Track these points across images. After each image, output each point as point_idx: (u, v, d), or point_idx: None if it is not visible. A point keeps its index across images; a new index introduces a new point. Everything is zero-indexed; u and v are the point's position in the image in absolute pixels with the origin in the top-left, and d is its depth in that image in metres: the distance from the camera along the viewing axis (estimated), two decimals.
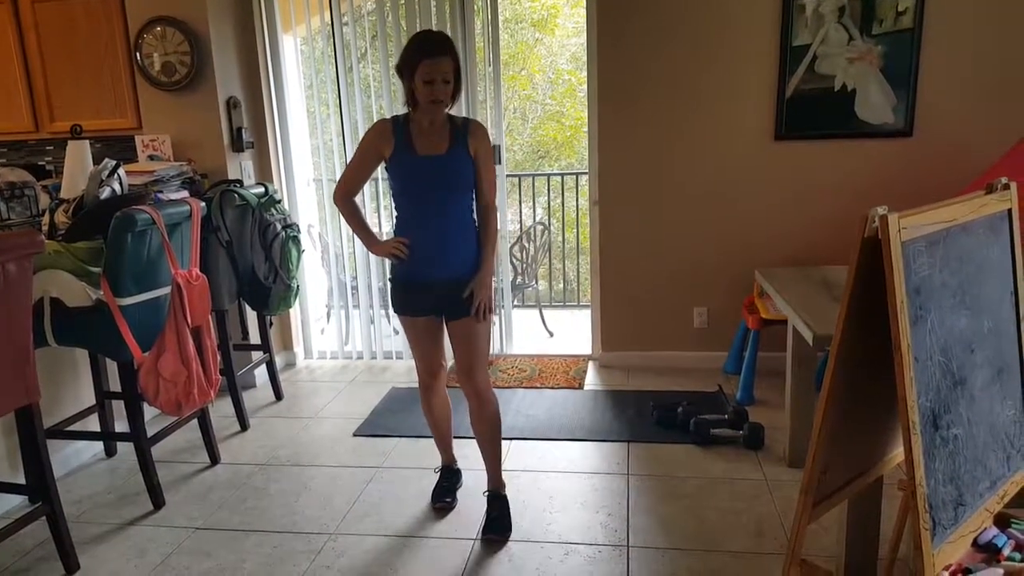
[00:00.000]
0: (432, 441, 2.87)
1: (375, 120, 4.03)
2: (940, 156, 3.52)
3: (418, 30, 3.84)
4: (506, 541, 2.41)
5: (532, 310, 5.16)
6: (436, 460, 2.79)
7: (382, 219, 4.39)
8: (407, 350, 4.28)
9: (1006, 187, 1.66)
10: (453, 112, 2.43)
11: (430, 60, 2.25)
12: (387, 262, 2.92)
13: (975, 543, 1.53)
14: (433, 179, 2.37)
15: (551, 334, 4.83)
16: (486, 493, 2.55)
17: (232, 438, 3.30)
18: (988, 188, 1.64)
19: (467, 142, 2.38)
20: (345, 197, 2.50)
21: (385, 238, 2.58)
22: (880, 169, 3.59)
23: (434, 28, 3.85)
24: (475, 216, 2.46)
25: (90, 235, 2.62)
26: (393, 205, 2.46)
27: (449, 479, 2.73)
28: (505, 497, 2.55)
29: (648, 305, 3.95)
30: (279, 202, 3.60)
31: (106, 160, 2.85)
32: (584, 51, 3.85)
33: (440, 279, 2.40)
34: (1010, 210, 1.67)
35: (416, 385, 3.80)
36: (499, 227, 2.54)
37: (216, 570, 2.30)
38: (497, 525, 2.46)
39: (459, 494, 2.71)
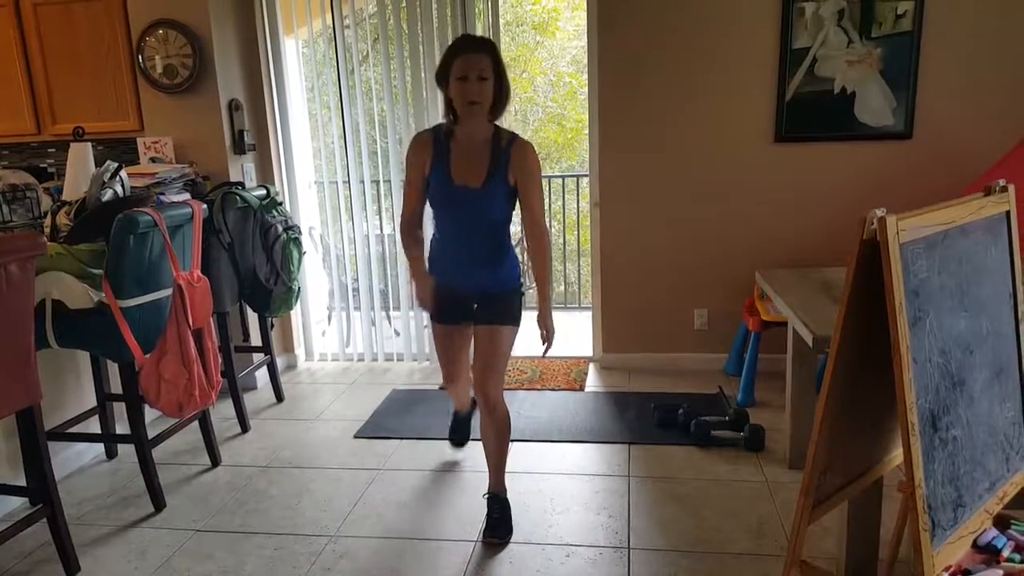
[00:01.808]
0: (432, 442, 2.88)
1: (376, 122, 4.07)
2: (939, 158, 3.53)
3: (420, 33, 3.86)
4: (506, 543, 2.42)
5: (533, 312, 5.14)
6: (436, 461, 2.79)
7: (383, 221, 4.40)
8: (408, 352, 4.29)
9: (1004, 189, 1.66)
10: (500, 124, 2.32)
11: (464, 55, 2.14)
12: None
13: (975, 544, 1.53)
14: (469, 209, 2.31)
15: None
16: (486, 496, 2.56)
17: (233, 440, 3.31)
18: (986, 190, 1.64)
19: (507, 173, 2.26)
20: (410, 227, 2.43)
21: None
22: (879, 171, 3.59)
23: (435, 31, 3.86)
24: (509, 234, 2.43)
25: (92, 237, 2.63)
26: (432, 215, 2.44)
27: (462, 423, 3.00)
28: (506, 500, 2.55)
29: (649, 307, 3.95)
30: (280, 204, 3.60)
31: (108, 162, 2.86)
32: (585, 54, 3.85)
33: (472, 292, 2.43)
34: (1008, 212, 1.68)
35: (416, 387, 3.84)
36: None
37: (217, 572, 2.31)
38: (498, 527, 2.46)
39: (459, 496, 2.72)
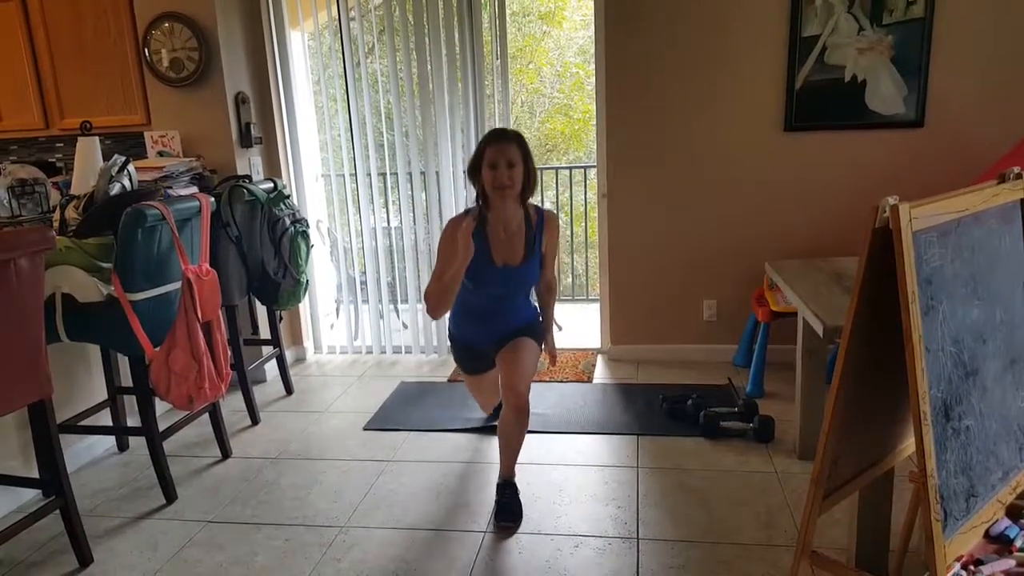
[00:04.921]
0: (440, 434, 2.87)
1: (382, 114, 4.06)
2: (952, 147, 3.49)
3: (426, 24, 3.85)
4: (518, 527, 2.43)
5: None
6: (444, 453, 2.79)
7: (390, 213, 4.39)
8: (416, 344, 4.29)
9: (1018, 177, 1.65)
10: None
11: (495, 145, 2.38)
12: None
13: (987, 534, 1.52)
14: (506, 285, 2.59)
15: (560, 328, 4.82)
16: (500, 483, 2.56)
17: (243, 432, 3.32)
18: (1000, 178, 1.63)
19: (541, 246, 2.58)
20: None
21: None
22: (891, 160, 3.56)
23: (441, 23, 3.84)
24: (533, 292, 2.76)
25: (100, 231, 2.64)
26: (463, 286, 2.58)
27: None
28: (515, 484, 2.56)
29: (657, 298, 3.94)
30: (288, 197, 3.60)
31: (116, 156, 2.86)
32: (592, 44, 3.83)
33: (492, 346, 2.67)
34: (1023, 200, 1.66)
35: (425, 379, 3.84)
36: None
37: (228, 563, 2.32)
38: (508, 512, 2.47)
39: (469, 487, 2.72)
